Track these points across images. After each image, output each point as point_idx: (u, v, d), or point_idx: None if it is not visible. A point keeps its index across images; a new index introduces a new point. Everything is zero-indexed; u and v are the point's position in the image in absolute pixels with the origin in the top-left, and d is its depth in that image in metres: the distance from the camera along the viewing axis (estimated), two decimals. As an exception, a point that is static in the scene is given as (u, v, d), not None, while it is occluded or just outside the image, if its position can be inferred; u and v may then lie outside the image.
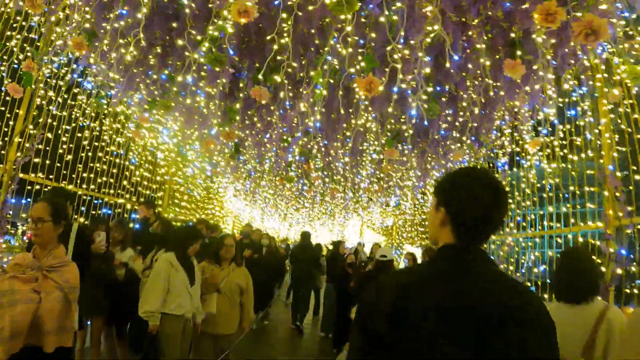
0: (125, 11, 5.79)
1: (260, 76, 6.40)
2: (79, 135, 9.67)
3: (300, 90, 6.59)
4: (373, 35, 5.65)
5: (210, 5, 5.69)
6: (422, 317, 1.69)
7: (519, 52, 5.67)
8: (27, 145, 8.02)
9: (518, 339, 1.60)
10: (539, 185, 9.49)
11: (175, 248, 6.09)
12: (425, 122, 7.28)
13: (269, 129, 8.55)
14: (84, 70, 8.59)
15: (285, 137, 8.94)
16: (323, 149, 11.14)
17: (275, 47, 5.21)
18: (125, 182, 11.52)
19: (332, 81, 6.21)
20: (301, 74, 6.59)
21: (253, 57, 7.02)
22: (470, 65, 6.33)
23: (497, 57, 6.25)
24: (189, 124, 9.31)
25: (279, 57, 5.58)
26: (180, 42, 6.06)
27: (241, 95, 7.56)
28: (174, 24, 6.63)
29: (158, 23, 6.59)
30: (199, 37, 5.95)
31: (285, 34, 5.30)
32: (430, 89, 6.26)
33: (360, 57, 5.83)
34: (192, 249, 6.17)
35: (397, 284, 1.84)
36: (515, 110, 7.87)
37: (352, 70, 6.03)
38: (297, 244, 16.72)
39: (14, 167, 7.95)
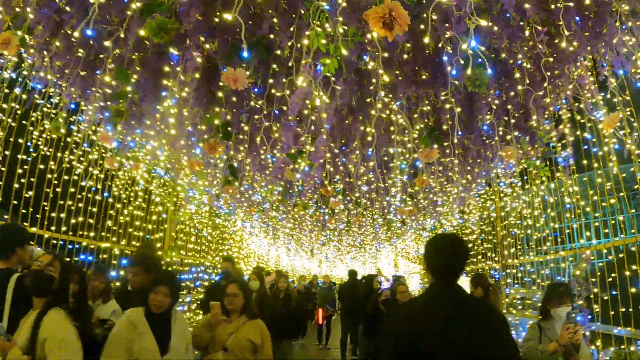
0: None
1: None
2: (42, 167, 7.96)
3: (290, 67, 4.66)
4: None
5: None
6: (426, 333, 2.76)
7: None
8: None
9: (488, 340, 2.81)
10: (624, 175, 7.25)
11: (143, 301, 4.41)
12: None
13: (266, 142, 6.59)
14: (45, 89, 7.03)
15: (293, 152, 7.00)
16: (342, 167, 9.24)
17: None
18: (109, 223, 9.76)
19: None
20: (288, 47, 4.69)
21: (226, 34, 5.15)
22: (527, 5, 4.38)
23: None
24: (171, 143, 7.50)
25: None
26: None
27: (220, 94, 5.74)
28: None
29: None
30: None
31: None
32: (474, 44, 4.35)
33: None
34: (153, 299, 4.37)
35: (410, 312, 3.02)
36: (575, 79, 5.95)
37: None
38: (345, 282, 16.42)
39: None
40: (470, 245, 15.49)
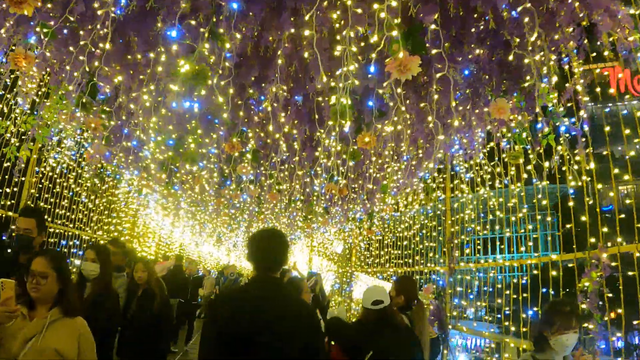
0: None
1: None
2: None
3: None
4: None
5: None
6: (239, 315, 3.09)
7: None
8: None
9: (288, 326, 3.08)
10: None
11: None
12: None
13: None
14: None
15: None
16: (256, 117, 6.94)
17: None
18: None
19: None
20: None
21: None
22: None
23: None
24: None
25: None
26: None
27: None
28: None
29: None
30: None
31: None
32: None
33: None
34: None
35: (230, 300, 3.40)
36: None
37: None
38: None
39: None
40: (405, 243, 13.24)
